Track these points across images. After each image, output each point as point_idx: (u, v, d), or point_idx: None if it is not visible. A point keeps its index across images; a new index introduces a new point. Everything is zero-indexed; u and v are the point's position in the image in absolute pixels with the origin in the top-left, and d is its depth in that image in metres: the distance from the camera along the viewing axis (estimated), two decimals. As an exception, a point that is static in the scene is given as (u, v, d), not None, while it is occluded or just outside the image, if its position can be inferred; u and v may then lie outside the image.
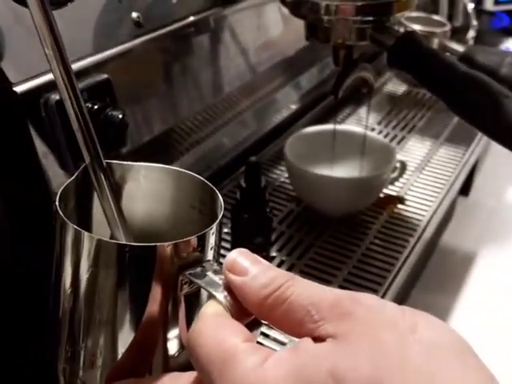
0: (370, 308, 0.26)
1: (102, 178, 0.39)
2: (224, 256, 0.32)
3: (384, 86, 1.16)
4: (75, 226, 0.36)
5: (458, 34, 1.15)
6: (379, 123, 1.03)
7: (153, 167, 0.44)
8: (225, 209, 0.74)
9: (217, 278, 0.32)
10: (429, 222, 0.78)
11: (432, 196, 0.83)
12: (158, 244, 0.33)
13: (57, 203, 0.38)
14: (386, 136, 0.98)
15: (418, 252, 0.74)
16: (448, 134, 1.00)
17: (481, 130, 0.58)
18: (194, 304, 0.36)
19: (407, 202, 0.82)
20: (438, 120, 1.04)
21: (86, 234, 0.36)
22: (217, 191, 0.40)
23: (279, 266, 0.69)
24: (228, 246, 0.70)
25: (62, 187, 0.40)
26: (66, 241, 0.37)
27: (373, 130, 1.00)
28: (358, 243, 0.74)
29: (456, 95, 0.59)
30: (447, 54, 0.82)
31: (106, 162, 0.40)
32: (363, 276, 0.68)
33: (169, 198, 0.45)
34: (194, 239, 0.35)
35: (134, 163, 0.44)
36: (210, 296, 0.31)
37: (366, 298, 0.27)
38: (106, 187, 0.39)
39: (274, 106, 0.95)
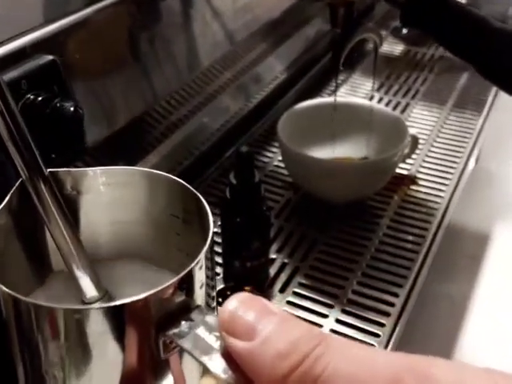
0: None
1: (46, 194, 0.30)
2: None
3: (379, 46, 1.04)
4: (6, 289, 0.26)
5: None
6: (378, 89, 0.91)
7: (115, 171, 0.35)
8: (212, 203, 0.60)
9: (211, 339, 0.23)
10: (449, 202, 0.68)
11: (448, 172, 0.73)
12: (125, 302, 0.25)
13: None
14: (387, 104, 0.87)
15: (440, 240, 0.64)
16: (456, 97, 0.89)
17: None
18: (187, 361, 0.28)
19: (420, 182, 0.71)
20: (442, 83, 0.93)
21: (22, 300, 0.26)
22: (202, 198, 0.31)
23: (281, 270, 0.59)
24: (216, 248, 0.59)
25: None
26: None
27: (372, 98, 0.88)
28: (369, 236, 0.63)
29: (491, 59, 0.48)
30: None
31: (50, 172, 0.30)
32: (380, 277, 0.58)
33: (141, 207, 0.36)
34: (175, 282, 0.26)
35: (89, 169, 0.34)
36: (205, 368, 0.22)
37: (437, 368, 0.19)
38: (51, 206, 0.30)
39: (259, 79, 0.83)
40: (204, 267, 0.28)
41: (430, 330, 0.75)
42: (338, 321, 0.53)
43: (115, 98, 0.53)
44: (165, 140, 0.65)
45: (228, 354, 0.21)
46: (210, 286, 0.30)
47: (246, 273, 0.55)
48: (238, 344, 0.20)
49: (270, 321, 0.20)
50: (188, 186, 0.33)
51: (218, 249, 0.60)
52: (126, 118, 0.55)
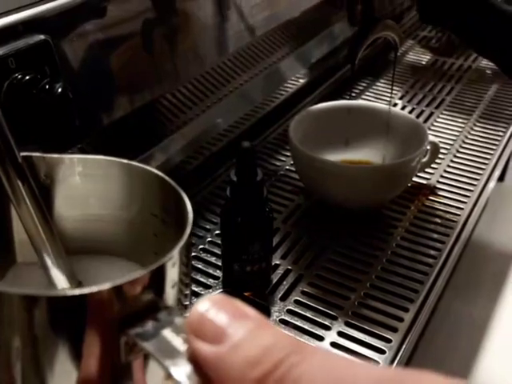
0: None
1: (18, 180, 0.28)
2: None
3: (406, 54, 1.01)
4: None
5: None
6: (401, 98, 0.88)
7: (93, 160, 0.32)
8: (216, 204, 0.57)
9: (178, 341, 0.21)
10: (468, 216, 0.64)
11: (469, 184, 0.69)
12: (87, 291, 0.22)
13: None
14: (410, 112, 0.83)
15: (456, 255, 0.60)
16: (483, 109, 0.85)
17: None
18: (152, 368, 0.25)
19: (440, 193, 0.67)
20: (469, 93, 0.89)
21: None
22: (183, 194, 0.28)
23: (284, 276, 0.55)
24: (217, 250, 0.56)
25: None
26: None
27: (395, 105, 0.85)
28: (382, 246, 0.59)
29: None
30: None
31: (23, 156, 0.28)
32: (390, 289, 0.54)
33: (119, 201, 0.33)
34: (144, 277, 0.24)
35: (66, 155, 0.32)
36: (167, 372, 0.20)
37: (424, 381, 0.17)
38: (23, 192, 0.28)
39: (277, 80, 0.80)
40: (178, 266, 0.26)
41: (447, 350, 0.70)
42: (340, 334, 0.49)
43: (115, 87, 0.51)
44: (171, 137, 0.63)
45: (195, 360, 0.19)
46: (183, 292, 0.27)
47: (245, 277, 0.51)
48: (204, 348, 0.18)
49: (243, 325, 0.18)
50: (169, 180, 0.30)
51: (218, 251, 0.57)
52: (125, 109, 0.52)
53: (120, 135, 0.55)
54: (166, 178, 0.30)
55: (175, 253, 0.25)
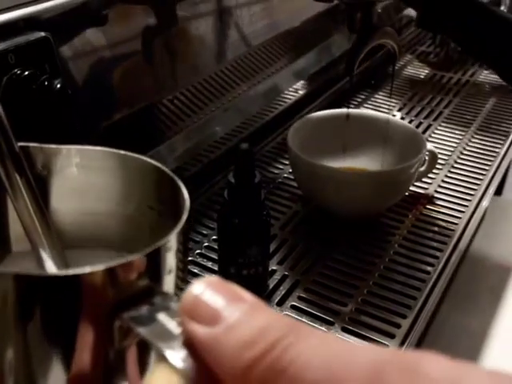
0: None
1: (14, 169, 0.28)
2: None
3: (404, 69, 1.01)
4: None
5: None
6: (400, 109, 0.88)
7: (90, 151, 0.32)
8: (213, 210, 0.57)
9: (172, 325, 0.21)
10: (466, 226, 0.63)
11: (468, 194, 0.69)
12: (80, 272, 0.22)
13: None
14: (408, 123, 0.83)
15: (453, 264, 0.59)
16: (480, 122, 0.85)
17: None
18: (148, 352, 0.24)
19: (437, 202, 0.67)
20: (467, 106, 0.90)
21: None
22: (180, 183, 0.28)
23: (281, 282, 0.55)
24: (214, 255, 0.56)
25: None
26: None
27: (393, 116, 0.85)
28: (379, 253, 0.59)
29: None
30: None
31: (21, 146, 0.28)
32: (387, 296, 0.54)
33: (117, 193, 0.33)
34: (139, 260, 0.23)
35: (63, 146, 0.31)
36: (161, 356, 0.20)
37: (427, 362, 0.16)
38: (19, 182, 0.28)
39: (275, 90, 0.80)
40: (174, 251, 0.25)
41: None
42: (337, 339, 0.49)
43: (113, 89, 0.51)
44: (168, 143, 0.63)
45: (190, 342, 0.19)
46: (180, 280, 0.27)
47: (241, 281, 0.51)
48: (199, 330, 0.18)
49: (238, 308, 0.18)
50: (166, 169, 0.30)
51: (214, 256, 0.57)
52: (123, 112, 0.52)
53: (117, 140, 0.55)
54: (163, 167, 0.30)
55: (172, 237, 0.25)
